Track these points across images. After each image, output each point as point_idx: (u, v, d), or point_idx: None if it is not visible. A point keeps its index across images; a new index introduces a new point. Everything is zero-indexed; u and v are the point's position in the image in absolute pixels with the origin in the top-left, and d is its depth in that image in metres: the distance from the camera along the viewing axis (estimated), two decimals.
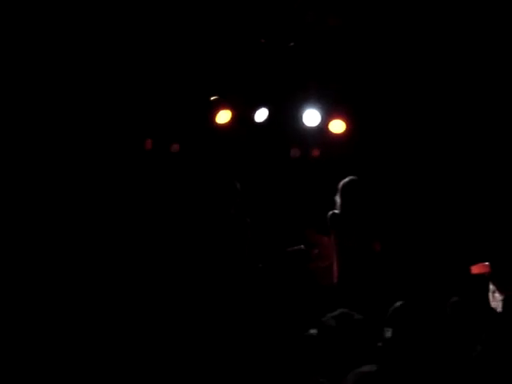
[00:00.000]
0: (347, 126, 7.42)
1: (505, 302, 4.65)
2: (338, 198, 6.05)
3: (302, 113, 7.35)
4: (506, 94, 7.04)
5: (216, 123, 7.53)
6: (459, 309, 4.19)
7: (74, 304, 6.28)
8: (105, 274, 6.86)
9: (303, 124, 7.40)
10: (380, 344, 3.82)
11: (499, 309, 4.77)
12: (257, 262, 6.72)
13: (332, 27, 6.99)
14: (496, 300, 5.15)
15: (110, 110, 7.47)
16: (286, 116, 7.58)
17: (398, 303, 3.90)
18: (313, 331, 3.98)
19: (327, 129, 7.46)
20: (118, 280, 6.76)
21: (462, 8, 6.68)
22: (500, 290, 5.26)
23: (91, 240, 7.20)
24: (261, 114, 7.47)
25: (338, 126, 7.44)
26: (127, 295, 6.47)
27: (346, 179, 6.06)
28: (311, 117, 7.33)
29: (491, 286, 5.34)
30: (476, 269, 5.68)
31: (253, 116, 7.48)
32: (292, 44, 7.11)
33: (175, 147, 7.80)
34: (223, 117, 7.54)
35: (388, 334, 3.77)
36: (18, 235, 6.89)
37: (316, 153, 7.98)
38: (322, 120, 7.36)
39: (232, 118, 7.55)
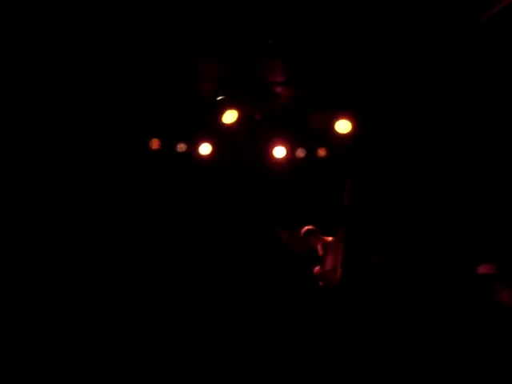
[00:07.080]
0: (353, 125, 7.44)
1: None
2: (345, 198, 6.06)
3: None
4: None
5: (222, 123, 7.55)
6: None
7: (73, 302, 6.31)
8: (106, 272, 6.91)
9: None
10: None
11: None
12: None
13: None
14: None
15: (116, 109, 7.51)
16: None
17: None
18: None
19: (333, 129, 7.49)
20: (119, 278, 6.81)
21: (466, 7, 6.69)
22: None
23: (96, 239, 7.25)
24: None
25: (343, 126, 7.48)
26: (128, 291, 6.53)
27: (354, 178, 6.08)
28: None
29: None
30: (482, 269, 5.70)
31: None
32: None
33: (181, 146, 7.84)
34: (229, 117, 7.56)
35: None
36: (20, 235, 6.94)
37: (322, 153, 8.01)
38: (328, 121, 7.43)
39: (238, 118, 7.55)
